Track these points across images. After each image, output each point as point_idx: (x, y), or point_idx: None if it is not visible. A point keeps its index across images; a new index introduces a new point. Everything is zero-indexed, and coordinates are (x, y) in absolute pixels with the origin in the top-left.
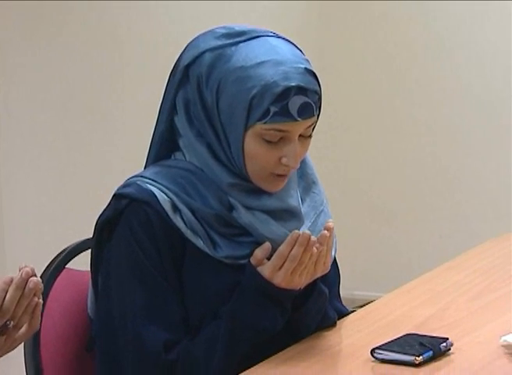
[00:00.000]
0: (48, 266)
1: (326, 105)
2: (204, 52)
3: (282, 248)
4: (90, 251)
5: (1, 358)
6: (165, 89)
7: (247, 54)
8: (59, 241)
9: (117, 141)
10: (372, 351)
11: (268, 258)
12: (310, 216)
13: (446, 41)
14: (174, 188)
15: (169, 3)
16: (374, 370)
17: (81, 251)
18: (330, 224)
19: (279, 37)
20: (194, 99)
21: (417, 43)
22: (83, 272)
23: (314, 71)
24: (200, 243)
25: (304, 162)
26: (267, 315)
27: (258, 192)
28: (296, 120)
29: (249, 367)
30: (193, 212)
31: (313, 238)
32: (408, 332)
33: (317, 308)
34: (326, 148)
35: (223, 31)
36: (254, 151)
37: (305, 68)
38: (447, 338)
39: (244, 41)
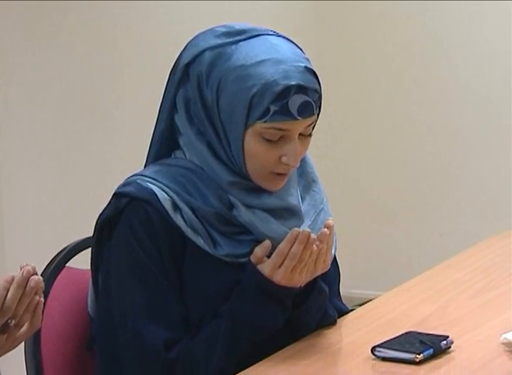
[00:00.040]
0: (48, 265)
1: (326, 105)
2: (204, 51)
3: (282, 246)
4: (90, 249)
5: (2, 357)
6: (165, 88)
7: (247, 52)
8: (59, 241)
9: (117, 141)
10: (373, 349)
11: (268, 257)
12: (310, 214)
13: (445, 41)
14: (174, 187)
15: (169, 3)
16: (374, 368)
17: (81, 250)
18: (330, 222)
19: (279, 36)
20: (194, 98)
21: (416, 42)
22: (84, 270)
23: (315, 70)
24: (200, 241)
25: (304, 161)
26: (267, 313)
27: (258, 191)
28: (297, 119)
29: (249, 365)
30: (193, 210)
31: (313, 236)
32: (408, 330)
33: (317, 306)
34: (326, 146)
35: (223, 30)
36: (254, 149)
37: (305, 67)
38: (448, 336)
39: (244, 39)
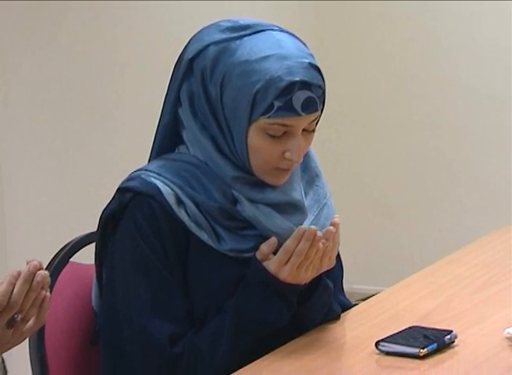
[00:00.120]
0: (52, 260)
1: (330, 100)
2: (208, 46)
3: (289, 243)
4: (94, 244)
5: (7, 352)
6: (170, 81)
7: (251, 48)
8: (59, 241)
9: (117, 141)
10: (377, 344)
11: (274, 253)
12: (313, 209)
13: (443, 41)
14: (178, 181)
15: (169, 3)
16: (378, 362)
17: (85, 245)
18: (336, 220)
19: (283, 32)
20: (198, 92)
21: (416, 42)
22: (88, 265)
23: (318, 66)
24: (204, 236)
25: (307, 156)
26: (272, 309)
27: (262, 185)
28: (300, 115)
29: (254, 360)
30: (197, 205)
31: (319, 233)
32: (412, 325)
33: (322, 302)
34: (330, 141)
35: (228, 25)
36: (258, 145)
37: (309, 63)
38: (451, 331)
39: (249, 34)
